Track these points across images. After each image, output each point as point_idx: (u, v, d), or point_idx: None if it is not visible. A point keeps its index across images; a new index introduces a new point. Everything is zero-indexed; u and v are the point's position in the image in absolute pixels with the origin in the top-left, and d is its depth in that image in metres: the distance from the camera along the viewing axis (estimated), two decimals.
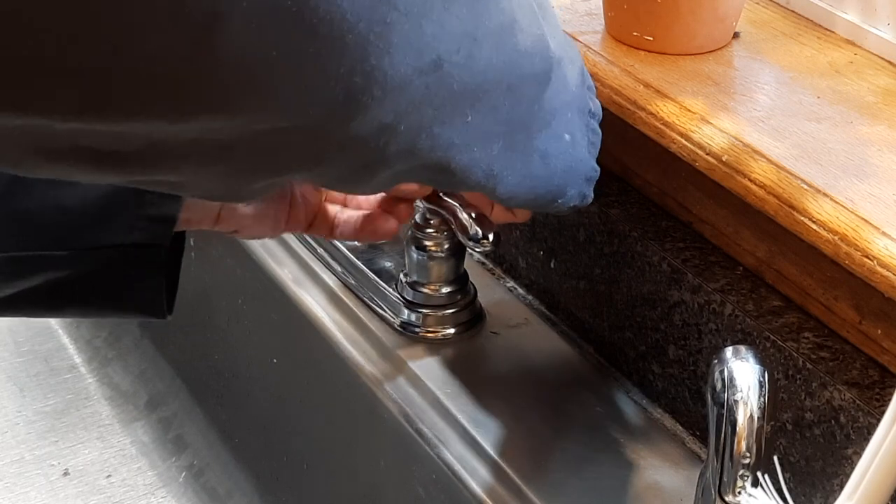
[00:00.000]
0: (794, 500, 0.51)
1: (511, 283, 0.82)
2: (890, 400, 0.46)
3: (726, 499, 0.55)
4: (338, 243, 0.83)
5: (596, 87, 0.68)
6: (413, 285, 0.77)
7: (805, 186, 0.58)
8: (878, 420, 0.47)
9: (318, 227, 0.69)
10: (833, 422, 0.60)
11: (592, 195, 0.62)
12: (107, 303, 0.65)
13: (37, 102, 0.35)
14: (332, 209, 0.69)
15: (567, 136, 0.58)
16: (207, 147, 0.41)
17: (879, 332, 0.60)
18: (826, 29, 0.72)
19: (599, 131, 0.62)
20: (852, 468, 0.48)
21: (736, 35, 0.71)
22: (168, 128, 0.39)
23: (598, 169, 0.62)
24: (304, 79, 0.39)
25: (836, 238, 0.56)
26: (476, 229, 0.67)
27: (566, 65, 0.57)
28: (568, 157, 0.59)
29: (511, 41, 0.50)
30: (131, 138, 0.39)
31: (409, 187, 0.68)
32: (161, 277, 0.63)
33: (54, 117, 0.36)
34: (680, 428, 0.70)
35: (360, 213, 0.69)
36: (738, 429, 0.54)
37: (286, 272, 0.86)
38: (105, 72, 0.35)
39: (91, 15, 0.33)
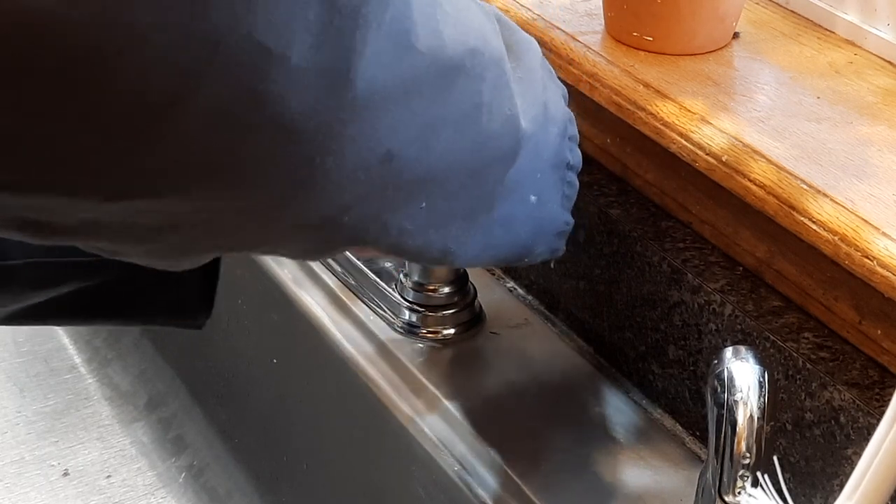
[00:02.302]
0: (794, 501, 0.51)
1: (511, 284, 0.82)
2: (890, 400, 0.46)
3: (726, 499, 0.55)
4: None
5: (596, 87, 0.68)
6: (413, 286, 0.77)
7: (805, 187, 0.58)
8: (878, 420, 0.46)
9: None
10: (833, 422, 0.60)
11: (564, 247, 0.60)
12: (136, 311, 0.63)
13: None
14: None
15: (533, 198, 0.55)
16: (142, 228, 0.41)
17: (879, 332, 0.60)
18: (826, 29, 0.72)
19: (576, 183, 0.59)
20: (852, 468, 0.48)
21: (736, 35, 0.71)
22: (106, 206, 0.38)
23: (572, 221, 0.59)
24: (246, 168, 0.39)
25: (836, 238, 0.56)
26: None
27: (546, 129, 0.55)
28: (534, 219, 0.56)
29: (475, 127, 0.47)
30: (70, 212, 0.39)
31: None
32: (194, 282, 0.61)
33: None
34: (680, 428, 0.70)
35: None
36: (738, 429, 0.54)
37: (286, 272, 0.86)
38: (53, 138, 0.35)
39: (52, 90, 0.33)
